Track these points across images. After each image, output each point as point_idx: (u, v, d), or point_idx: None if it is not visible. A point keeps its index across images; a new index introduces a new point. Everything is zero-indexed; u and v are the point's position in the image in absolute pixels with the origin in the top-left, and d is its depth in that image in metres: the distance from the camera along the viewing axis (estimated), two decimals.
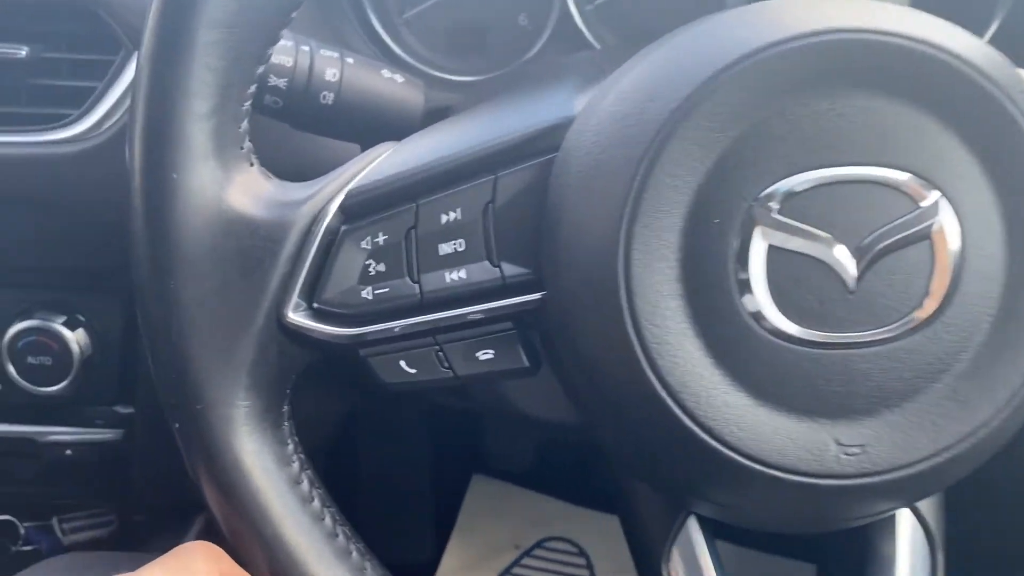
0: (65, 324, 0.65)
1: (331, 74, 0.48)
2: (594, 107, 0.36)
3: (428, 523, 1.06)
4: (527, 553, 1.04)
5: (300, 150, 0.52)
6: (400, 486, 1.05)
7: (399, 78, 0.50)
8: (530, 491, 1.07)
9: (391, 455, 1.05)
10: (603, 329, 0.34)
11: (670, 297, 0.33)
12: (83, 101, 0.58)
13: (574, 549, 1.05)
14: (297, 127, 0.50)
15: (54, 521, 0.76)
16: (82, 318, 0.67)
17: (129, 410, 0.68)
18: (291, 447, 0.40)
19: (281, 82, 0.47)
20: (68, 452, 0.68)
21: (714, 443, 0.33)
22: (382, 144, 0.41)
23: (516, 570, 1.04)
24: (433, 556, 1.03)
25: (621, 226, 0.33)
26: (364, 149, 0.41)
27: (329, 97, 0.48)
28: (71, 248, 0.63)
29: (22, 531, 0.77)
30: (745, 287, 0.33)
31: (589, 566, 1.03)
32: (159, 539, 0.75)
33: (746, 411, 0.34)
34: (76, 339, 0.65)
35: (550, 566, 1.04)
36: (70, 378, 0.66)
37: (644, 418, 0.34)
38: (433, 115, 0.49)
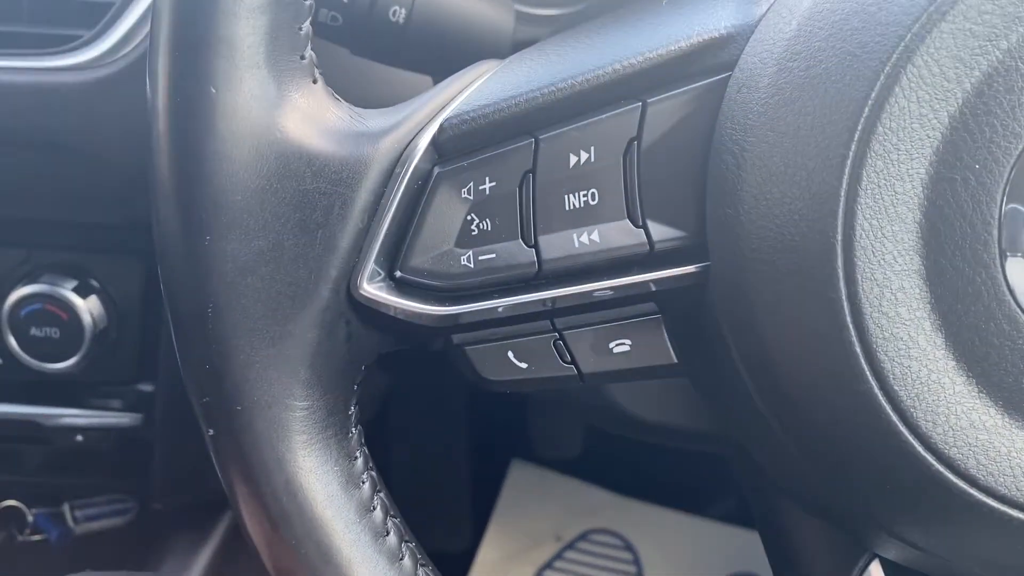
0: (76, 290, 0.62)
1: None
2: (789, 8, 0.32)
3: (464, 510, 1.05)
4: (569, 546, 1.03)
5: (361, 83, 0.48)
6: (435, 469, 1.04)
7: None
8: (573, 479, 1.06)
9: (426, 435, 1.03)
10: (804, 318, 0.29)
11: (905, 275, 0.29)
12: (97, 20, 0.54)
13: (620, 543, 1.02)
14: (358, 52, 0.45)
15: (65, 507, 0.74)
16: (96, 283, 0.64)
17: (149, 388, 0.66)
18: (360, 462, 0.35)
19: None
20: (79, 438, 0.66)
21: (953, 478, 0.29)
22: (484, 61, 0.37)
23: (558, 563, 1.02)
24: (469, 545, 1.02)
25: (842, 173, 0.28)
26: (437, 83, 0.37)
27: (400, 14, 0.43)
28: (84, 199, 0.60)
29: (30, 518, 0.74)
30: (1012, 263, 0.28)
31: (636, 561, 1.01)
32: (180, 534, 0.74)
33: (1000, 436, 0.29)
34: (88, 308, 0.62)
35: (594, 560, 1.02)
36: (80, 354, 0.62)
37: (853, 438, 0.30)
38: (520, 49, 0.45)
